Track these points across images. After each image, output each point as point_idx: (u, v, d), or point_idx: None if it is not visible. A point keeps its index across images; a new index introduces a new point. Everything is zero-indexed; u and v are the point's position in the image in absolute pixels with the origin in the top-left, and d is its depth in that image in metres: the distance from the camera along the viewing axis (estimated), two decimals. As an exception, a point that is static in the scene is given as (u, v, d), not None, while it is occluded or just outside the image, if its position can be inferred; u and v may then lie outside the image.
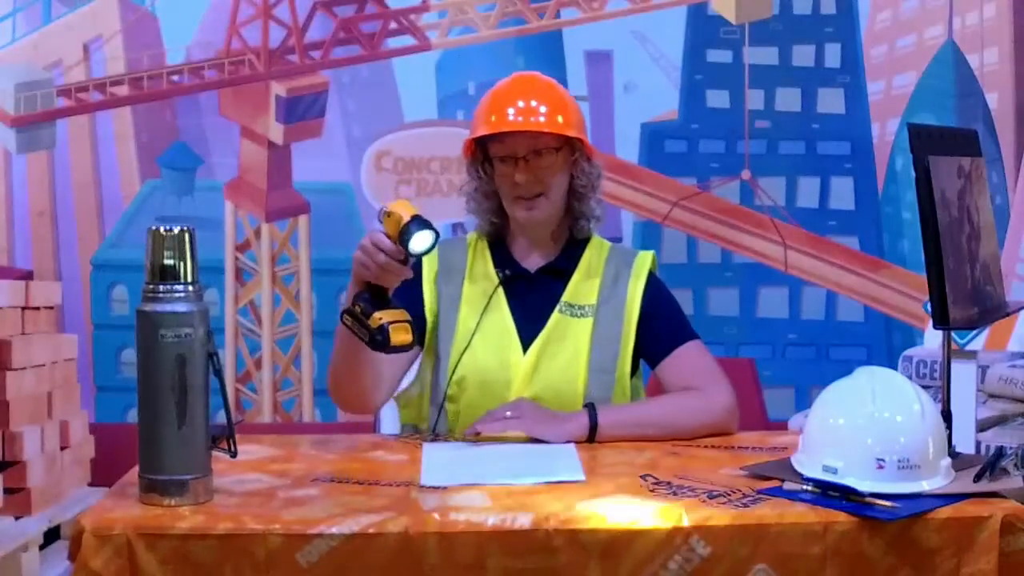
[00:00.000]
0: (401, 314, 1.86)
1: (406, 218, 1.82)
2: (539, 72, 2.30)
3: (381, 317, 1.84)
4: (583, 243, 2.26)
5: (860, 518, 1.55)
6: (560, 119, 2.16)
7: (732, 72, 4.60)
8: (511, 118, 2.14)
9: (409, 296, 2.22)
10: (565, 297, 2.20)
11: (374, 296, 1.88)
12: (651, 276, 2.24)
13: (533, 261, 2.24)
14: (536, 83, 2.24)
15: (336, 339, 2.08)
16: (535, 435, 2.00)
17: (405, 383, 2.28)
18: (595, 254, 2.25)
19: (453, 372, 2.16)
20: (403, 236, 1.81)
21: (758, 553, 1.53)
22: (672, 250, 4.60)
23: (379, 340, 1.83)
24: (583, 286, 2.22)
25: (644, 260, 2.25)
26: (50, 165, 4.53)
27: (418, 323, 2.20)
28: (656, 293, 2.23)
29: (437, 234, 1.83)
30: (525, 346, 2.17)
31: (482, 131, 2.15)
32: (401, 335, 1.84)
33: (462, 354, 2.16)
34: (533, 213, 2.17)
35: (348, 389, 2.13)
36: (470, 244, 2.28)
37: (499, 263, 2.23)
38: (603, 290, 2.21)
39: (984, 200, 1.98)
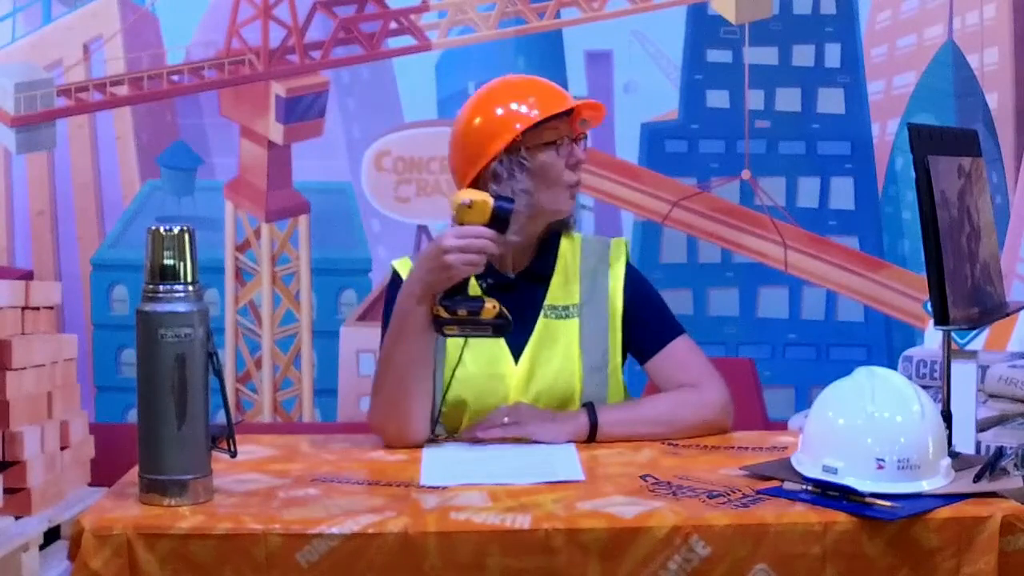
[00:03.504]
0: (492, 298, 1.94)
1: (491, 201, 1.90)
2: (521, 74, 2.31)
3: (493, 306, 1.91)
4: (556, 239, 2.22)
5: (860, 518, 1.54)
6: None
7: (732, 72, 4.61)
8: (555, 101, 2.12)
9: None
10: (548, 300, 2.17)
11: (461, 295, 1.93)
12: (628, 268, 2.21)
13: (512, 265, 2.19)
14: (523, 81, 2.24)
15: (390, 368, 2.01)
16: (535, 438, 1.99)
17: None
18: (570, 250, 2.21)
19: (446, 391, 2.11)
20: (496, 217, 1.89)
21: (758, 553, 1.53)
22: (672, 250, 4.60)
23: (505, 326, 1.91)
24: (564, 287, 2.18)
25: (619, 251, 2.22)
26: (50, 165, 4.54)
27: None
28: (637, 287, 2.21)
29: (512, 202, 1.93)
30: (515, 354, 2.14)
31: (542, 114, 2.09)
32: (509, 316, 1.92)
33: (453, 371, 2.11)
34: (574, 201, 2.19)
35: (415, 414, 2.01)
36: None
37: (478, 274, 2.13)
38: (584, 289, 2.19)
39: (984, 200, 1.98)
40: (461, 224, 1.91)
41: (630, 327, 2.19)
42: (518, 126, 2.09)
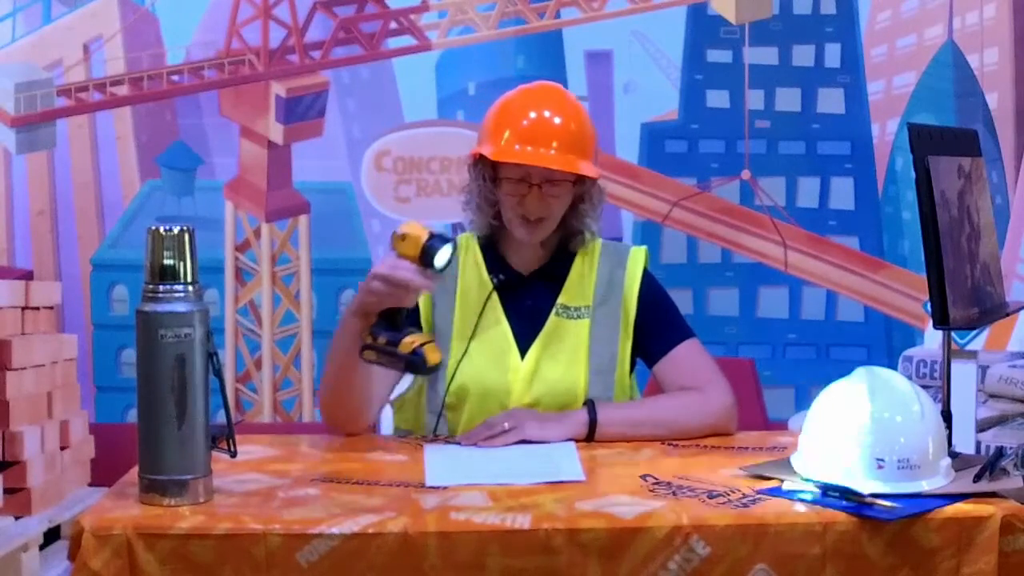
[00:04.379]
0: (426, 335, 1.93)
1: (425, 236, 1.89)
2: (557, 85, 2.23)
3: (413, 341, 1.89)
4: (575, 241, 2.23)
5: (860, 518, 1.55)
6: (579, 150, 2.10)
7: (732, 72, 4.60)
8: (527, 146, 2.07)
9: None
10: (561, 299, 2.18)
11: (390, 324, 1.92)
12: (646, 274, 2.22)
13: (526, 264, 2.21)
14: (553, 103, 2.16)
15: (329, 363, 2.09)
16: (535, 439, 1.98)
17: (399, 389, 2.27)
18: (588, 254, 2.23)
19: (451, 381, 2.13)
20: (426, 254, 1.88)
21: (758, 553, 1.53)
22: (672, 250, 4.60)
23: (417, 363, 1.89)
24: (578, 287, 2.19)
25: (638, 257, 2.23)
26: (50, 165, 4.53)
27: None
28: (652, 292, 2.22)
29: (455, 245, 1.92)
30: (522, 351, 2.15)
31: (494, 152, 2.10)
32: (435, 355, 1.90)
33: (459, 362, 2.13)
34: (534, 236, 2.15)
35: (345, 410, 2.10)
36: (461, 247, 2.23)
37: (492, 267, 2.20)
38: (598, 290, 2.19)
39: (984, 200, 1.98)
40: (395, 251, 1.92)
41: (640, 331, 2.19)
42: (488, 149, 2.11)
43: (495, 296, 2.18)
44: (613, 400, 2.15)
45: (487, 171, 2.15)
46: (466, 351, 2.14)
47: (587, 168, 2.11)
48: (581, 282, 2.20)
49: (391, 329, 1.91)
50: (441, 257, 1.88)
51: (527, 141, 2.09)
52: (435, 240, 1.89)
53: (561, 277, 2.20)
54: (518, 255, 2.21)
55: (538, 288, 2.20)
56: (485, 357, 2.14)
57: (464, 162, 2.21)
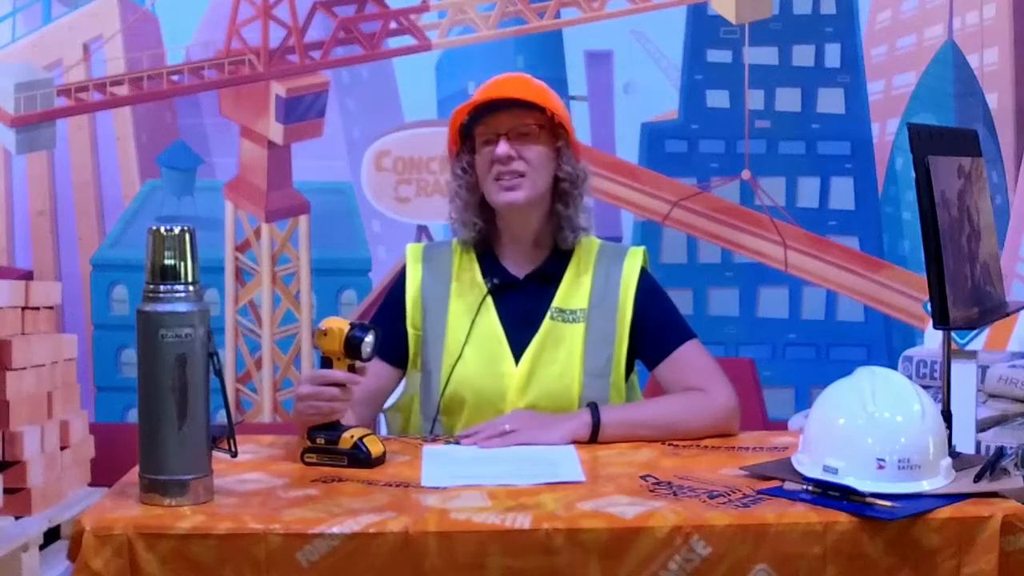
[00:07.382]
0: (364, 428, 1.91)
1: (346, 329, 1.87)
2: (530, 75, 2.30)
3: (352, 435, 1.87)
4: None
5: (860, 518, 1.54)
6: (543, 99, 2.15)
7: (732, 72, 4.61)
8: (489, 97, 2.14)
9: (393, 314, 2.20)
10: (556, 302, 2.16)
11: (328, 425, 1.90)
12: (643, 275, 2.20)
13: (521, 267, 2.20)
14: (522, 77, 2.26)
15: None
16: (538, 443, 1.98)
17: (392, 398, 2.28)
18: (584, 255, 2.21)
19: (445, 386, 2.13)
20: (350, 345, 1.87)
21: (758, 553, 1.53)
22: (672, 250, 4.60)
23: (362, 457, 1.85)
24: (573, 290, 2.17)
25: (635, 258, 2.21)
26: (50, 165, 4.54)
27: (401, 344, 2.20)
28: (649, 293, 2.19)
29: (378, 333, 1.89)
30: (517, 355, 2.14)
31: (465, 111, 2.15)
32: (377, 446, 1.88)
33: (453, 367, 2.13)
34: (515, 194, 2.11)
35: None
36: (455, 250, 2.23)
37: (486, 271, 2.19)
38: (594, 293, 2.17)
39: (984, 200, 1.98)
40: (318, 347, 1.91)
41: (639, 333, 2.17)
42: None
43: (489, 300, 2.17)
44: (608, 403, 2.14)
45: (465, 159, 2.18)
46: (460, 356, 2.13)
47: (549, 109, 2.13)
48: (576, 285, 2.18)
49: (327, 429, 1.89)
50: (367, 347, 1.87)
51: (489, 94, 2.15)
52: (356, 330, 1.87)
53: (556, 280, 2.18)
54: (513, 258, 2.20)
55: (533, 291, 2.18)
56: (479, 362, 2.13)
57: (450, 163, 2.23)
